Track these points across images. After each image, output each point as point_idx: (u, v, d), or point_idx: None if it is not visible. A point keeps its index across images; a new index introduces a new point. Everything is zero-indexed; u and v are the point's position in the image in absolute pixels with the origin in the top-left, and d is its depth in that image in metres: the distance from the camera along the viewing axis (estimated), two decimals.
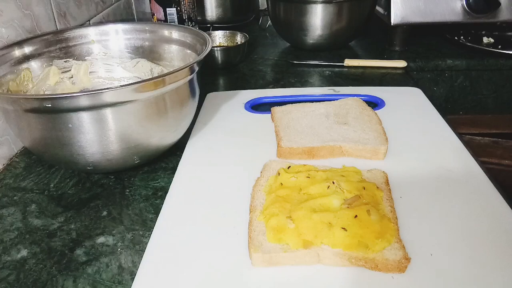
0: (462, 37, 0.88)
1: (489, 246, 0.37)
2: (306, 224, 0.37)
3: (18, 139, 0.57)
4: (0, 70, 0.52)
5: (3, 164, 0.56)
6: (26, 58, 0.56)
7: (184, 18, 0.88)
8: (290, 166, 0.47)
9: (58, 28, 0.68)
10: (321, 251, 0.35)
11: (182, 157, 0.53)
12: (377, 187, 0.43)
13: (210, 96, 0.68)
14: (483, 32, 0.89)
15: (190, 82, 0.50)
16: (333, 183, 0.42)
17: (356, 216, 0.37)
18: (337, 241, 0.36)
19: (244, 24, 1.10)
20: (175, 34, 0.61)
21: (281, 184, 0.43)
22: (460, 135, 0.53)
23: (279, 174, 0.45)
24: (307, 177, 0.44)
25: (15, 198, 0.49)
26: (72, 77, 0.62)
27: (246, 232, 0.39)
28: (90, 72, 0.63)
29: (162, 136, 0.50)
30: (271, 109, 0.60)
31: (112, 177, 0.52)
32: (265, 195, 0.43)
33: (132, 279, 0.37)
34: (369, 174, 0.46)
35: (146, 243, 0.40)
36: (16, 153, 0.58)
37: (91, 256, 0.40)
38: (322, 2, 0.81)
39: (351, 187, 0.41)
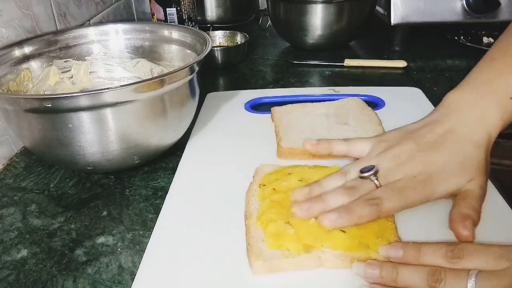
0: (462, 37, 0.88)
1: None
2: (305, 228, 0.37)
3: (18, 139, 0.57)
4: (0, 70, 0.52)
5: (3, 164, 0.56)
6: (26, 58, 0.56)
7: (184, 18, 0.88)
8: (276, 170, 0.46)
9: (58, 28, 0.68)
10: (323, 254, 0.35)
11: (182, 157, 0.53)
12: None
13: (210, 96, 0.68)
14: (483, 32, 0.89)
15: (190, 82, 0.50)
16: None
17: None
18: (337, 243, 0.36)
19: (244, 24, 1.10)
20: (175, 34, 0.61)
21: (274, 189, 0.43)
22: None
23: (264, 185, 0.44)
24: (299, 180, 0.43)
25: (15, 198, 0.49)
26: (72, 77, 0.62)
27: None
28: (90, 72, 0.63)
29: (162, 136, 0.50)
30: (271, 109, 0.60)
31: (112, 177, 0.52)
32: (260, 200, 0.42)
33: (132, 279, 0.37)
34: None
35: (146, 243, 0.40)
36: (16, 153, 0.58)
37: (91, 256, 0.40)
38: (322, 2, 0.81)
39: None
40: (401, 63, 0.79)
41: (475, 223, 0.36)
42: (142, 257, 0.38)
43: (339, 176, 0.41)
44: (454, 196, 0.39)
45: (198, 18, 0.99)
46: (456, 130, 0.39)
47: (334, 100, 0.61)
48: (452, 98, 0.42)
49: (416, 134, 0.41)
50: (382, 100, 0.63)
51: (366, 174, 0.39)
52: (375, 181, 0.38)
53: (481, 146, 0.38)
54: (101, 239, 0.42)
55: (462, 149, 0.38)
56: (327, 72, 0.80)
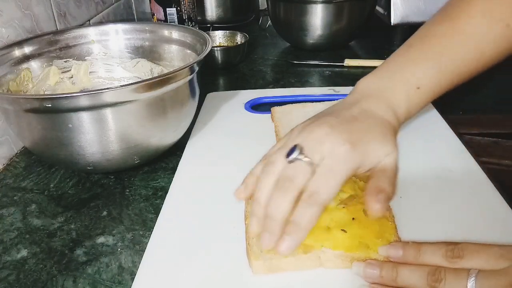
0: None
1: None
2: None
3: (18, 139, 0.57)
4: (0, 70, 0.52)
5: (3, 164, 0.56)
6: (26, 58, 0.56)
7: (184, 18, 0.88)
8: None
9: (58, 28, 0.68)
10: (323, 254, 0.35)
11: (182, 157, 0.53)
12: None
13: (210, 96, 0.68)
14: None
15: (190, 82, 0.50)
16: None
17: (353, 218, 0.37)
18: (337, 243, 0.35)
19: (244, 24, 1.10)
20: (175, 34, 0.61)
21: None
22: (460, 135, 0.53)
23: None
24: None
25: (15, 198, 0.49)
26: (72, 77, 0.62)
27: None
28: (90, 72, 0.63)
29: (162, 136, 0.50)
30: (271, 109, 0.60)
31: (112, 177, 0.52)
32: None
33: (132, 279, 0.37)
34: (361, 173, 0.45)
35: (146, 243, 0.40)
36: (16, 153, 0.58)
37: (91, 256, 0.40)
38: (322, 2, 0.81)
39: (345, 187, 0.41)
40: None
41: (390, 198, 0.35)
42: (142, 257, 0.38)
43: (270, 169, 0.37)
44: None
45: (198, 18, 0.99)
46: (370, 110, 0.39)
47: (334, 100, 0.61)
48: (365, 84, 0.41)
49: (334, 111, 0.39)
50: None
51: (292, 157, 0.35)
52: (304, 159, 0.35)
53: (393, 127, 0.38)
54: (101, 239, 0.42)
55: (379, 124, 0.38)
56: (327, 72, 0.80)
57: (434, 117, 0.57)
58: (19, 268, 0.39)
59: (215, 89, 0.73)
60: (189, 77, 0.49)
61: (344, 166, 0.35)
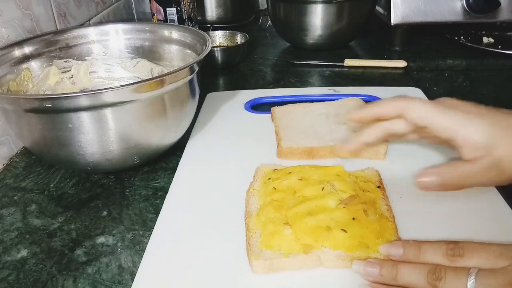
0: (462, 37, 0.88)
1: None
2: (304, 228, 0.37)
3: (18, 139, 0.57)
4: (0, 70, 0.52)
5: (3, 164, 0.56)
6: (26, 58, 0.56)
7: (184, 18, 0.88)
8: (275, 169, 0.46)
9: (58, 28, 0.68)
10: (323, 254, 0.35)
11: (182, 157, 0.53)
12: (378, 186, 0.43)
13: (210, 96, 0.68)
14: (483, 32, 0.89)
15: (190, 82, 0.50)
16: (327, 184, 0.42)
17: (353, 218, 0.37)
18: (338, 243, 0.36)
19: (244, 24, 1.10)
20: (175, 34, 0.61)
21: (274, 188, 0.43)
22: None
23: (269, 179, 0.45)
24: (300, 179, 0.43)
25: (15, 198, 0.49)
26: (72, 77, 0.62)
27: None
28: (90, 72, 0.63)
29: (162, 136, 0.50)
30: (271, 109, 0.60)
31: (112, 177, 0.52)
32: (260, 200, 0.42)
33: (132, 279, 0.37)
34: (362, 173, 0.45)
35: (146, 243, 0.40)
36: (16, 153, 0.58)
37: (91, 256, 0.40)
38: (322, 2, 0.81)
39: (346, 187, 0.41)
40: (401, 63, 0.79)
41: (439, 175, 0.40)
42: (142, 257, 0.38)
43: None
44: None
45: (198, 18, 0.99)
46: None
47: (334, 100, 0.61)
48: None
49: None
50: None
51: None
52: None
53: None
54: (101, 239, 0.42)
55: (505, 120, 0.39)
56: (327, 72, 0.80)
57: None
58: (19, 268, 0.39)
59: (215, 89, 0.73)
60: (189, 77, 0.49)
61: (429, 114, 0.41)
